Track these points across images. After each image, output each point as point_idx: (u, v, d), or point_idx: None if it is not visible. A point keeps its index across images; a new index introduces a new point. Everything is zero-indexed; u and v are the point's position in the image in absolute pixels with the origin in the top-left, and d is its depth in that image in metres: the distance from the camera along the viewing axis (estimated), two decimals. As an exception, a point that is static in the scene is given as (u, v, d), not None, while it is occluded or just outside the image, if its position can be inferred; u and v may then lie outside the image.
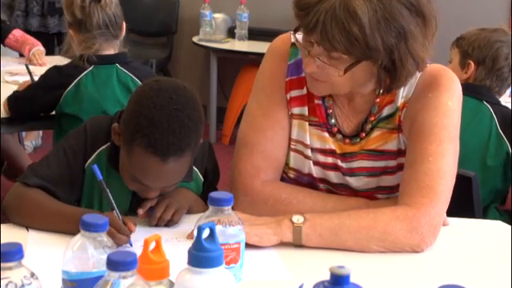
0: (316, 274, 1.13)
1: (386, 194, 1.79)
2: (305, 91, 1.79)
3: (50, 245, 1.60)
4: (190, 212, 1.79)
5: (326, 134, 1.80)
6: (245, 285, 1.44)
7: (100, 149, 1.81)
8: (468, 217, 1.96)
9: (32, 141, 4.80)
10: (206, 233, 1.17)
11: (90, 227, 1.23)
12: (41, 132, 4.83)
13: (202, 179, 1.91)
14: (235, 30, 5.45)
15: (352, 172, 1.80)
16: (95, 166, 1.63)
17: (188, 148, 1.68)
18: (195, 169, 1.87)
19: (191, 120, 1.67)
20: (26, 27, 4.63)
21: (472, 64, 2.81)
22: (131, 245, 1.60)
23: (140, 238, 1.51)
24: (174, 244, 1.64)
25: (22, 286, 1.07)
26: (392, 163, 1.77)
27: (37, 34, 4.45)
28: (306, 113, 1.80)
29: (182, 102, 1.68)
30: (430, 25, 1.63)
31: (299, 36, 1.66)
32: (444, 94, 1.72)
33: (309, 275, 1.33)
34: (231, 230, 1.39)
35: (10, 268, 1.07)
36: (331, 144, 1.79)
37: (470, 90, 2.65)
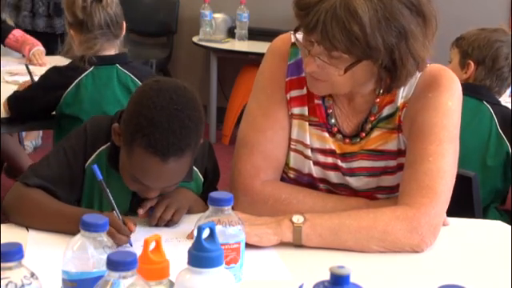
0: (316, 273, 1.13)
1: (385, 194, 1.79)
2: (305, 91, 1.79)
3: (50, 245, 1.60)
4: (190, 212, 1.79)
5: (326, 134, 1.79)
6: (245, 285, 1.44)
7: (100, 149, 1.81)
8: (468, 217, 1.96)
9: (32, 141, 4.80)
10: (206, 233, 1.17)
11: (90, 227, 1.23)
12: (41, 132, 4.83)
13: (202, 179, 1.91)
14: (235, 30, 5.45)
15: (352, 172, 1.80)
16: (95, 166, 1.63)
17: (188, 148, 1.68)
18: (195, 169, 1.87)
19: (191, 120, 1.67)
20: (33, 27, 4.63)
21: (472, 64, 2.81)
22: (131, 245, 1.60)
23: (140, 238, 1.51)
24: (174, 244, 1.64)
25: (22, 285, 1.07)
26: (392, 163, 1.77)
27: (43, 35, 4.45)
28: (306, 113, 1.80)
29: (183, 102, 1.68)
30: (430, 24, 1.63)
31: (299, 36, 1.66)
32: (444, 94, 1.72)
33: (309, 275, 1.32)
34: (231, 229, 1.39)
35: (9, 268, 1.07)
36: (331, 144, 1.79)
37: (470, 90, 2.65)
